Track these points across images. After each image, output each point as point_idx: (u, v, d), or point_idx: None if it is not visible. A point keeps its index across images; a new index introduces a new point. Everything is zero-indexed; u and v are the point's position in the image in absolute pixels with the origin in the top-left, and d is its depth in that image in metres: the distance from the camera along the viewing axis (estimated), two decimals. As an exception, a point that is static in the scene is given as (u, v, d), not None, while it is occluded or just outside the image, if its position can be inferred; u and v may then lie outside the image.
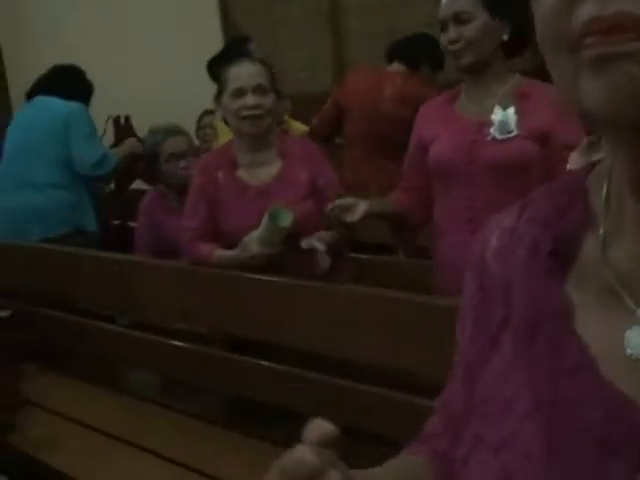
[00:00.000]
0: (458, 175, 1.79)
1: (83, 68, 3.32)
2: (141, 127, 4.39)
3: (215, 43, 4.75)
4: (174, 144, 2.69)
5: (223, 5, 4.74)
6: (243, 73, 2.08)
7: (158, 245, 2.70)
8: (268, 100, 2.08)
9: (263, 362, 1.96)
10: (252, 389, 1.98)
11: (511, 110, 1.72)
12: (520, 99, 1.75)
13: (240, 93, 2.06)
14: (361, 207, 1.81)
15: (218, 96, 2.15)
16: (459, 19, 1.74)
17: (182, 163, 2.66)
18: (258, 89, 2.06)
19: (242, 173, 2.13)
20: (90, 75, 3.33)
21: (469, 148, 1.77)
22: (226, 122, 2.15)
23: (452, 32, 1.75)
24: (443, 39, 1.79)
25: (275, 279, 1.92)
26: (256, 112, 2.05)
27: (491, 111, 1.75)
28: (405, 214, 1.99)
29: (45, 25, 5.44)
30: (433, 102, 1.96)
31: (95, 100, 3.30)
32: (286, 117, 3.22)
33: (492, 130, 1.73)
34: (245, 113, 2.05)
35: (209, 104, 3.33)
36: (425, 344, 1.55)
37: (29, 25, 5.56)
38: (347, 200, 1.84)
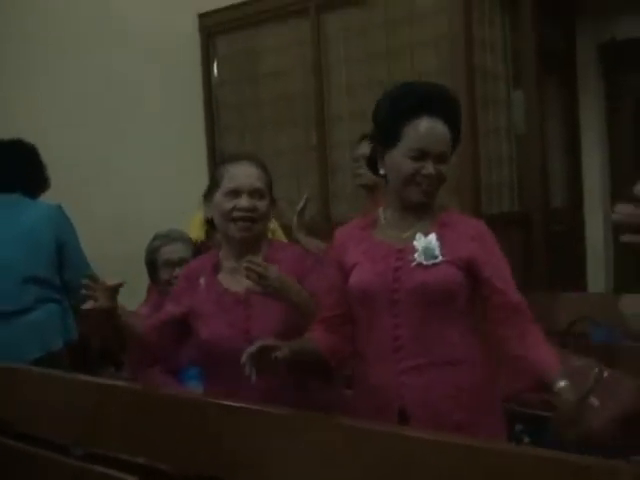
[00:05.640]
0: (382, 303, 1.73)
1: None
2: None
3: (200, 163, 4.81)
4: (170, 251, 2.58)
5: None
6: (241, 173, 1.96)
7: None
8: (263, 204, 1.96)
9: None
10: None
11: (433, 237, 1.73)
12: (441, 228, 1.75)
13: (235, 194, 1.93)
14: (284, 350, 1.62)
15: (208, 193, 2.01)
16: (441, 159, 1.74)
17: (177, 271, 2.49)
18: (255, 192, 1.95)
19: (223, 278, 2.00)
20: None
21: (393, 275, 1.72)
22: (209, 223, 2.03)
23: (431, 168, 1.72)
24: (412, 168, 1.72)
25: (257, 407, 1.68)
26: (250, 215, 1.92)
27: (411, 239, 1.73)
28: (326, 354, 1.78)
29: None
30: (347, 227, 1.90)
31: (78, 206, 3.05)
32: (274, 223, 3.02)
33: (416, 256, 1.71)
34: (237, 215, 1.92)
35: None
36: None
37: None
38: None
